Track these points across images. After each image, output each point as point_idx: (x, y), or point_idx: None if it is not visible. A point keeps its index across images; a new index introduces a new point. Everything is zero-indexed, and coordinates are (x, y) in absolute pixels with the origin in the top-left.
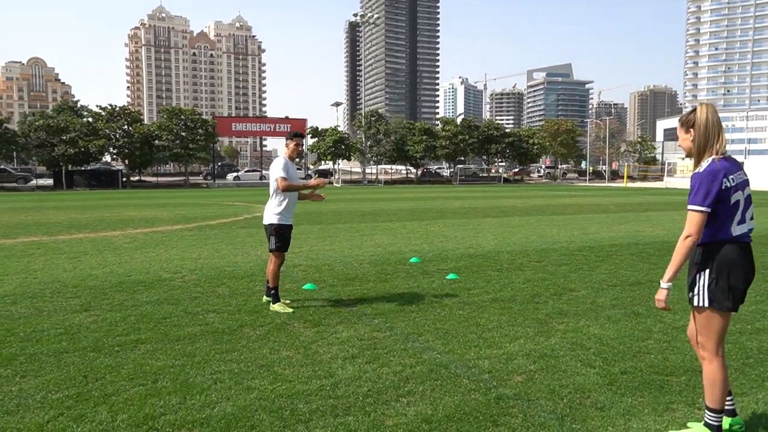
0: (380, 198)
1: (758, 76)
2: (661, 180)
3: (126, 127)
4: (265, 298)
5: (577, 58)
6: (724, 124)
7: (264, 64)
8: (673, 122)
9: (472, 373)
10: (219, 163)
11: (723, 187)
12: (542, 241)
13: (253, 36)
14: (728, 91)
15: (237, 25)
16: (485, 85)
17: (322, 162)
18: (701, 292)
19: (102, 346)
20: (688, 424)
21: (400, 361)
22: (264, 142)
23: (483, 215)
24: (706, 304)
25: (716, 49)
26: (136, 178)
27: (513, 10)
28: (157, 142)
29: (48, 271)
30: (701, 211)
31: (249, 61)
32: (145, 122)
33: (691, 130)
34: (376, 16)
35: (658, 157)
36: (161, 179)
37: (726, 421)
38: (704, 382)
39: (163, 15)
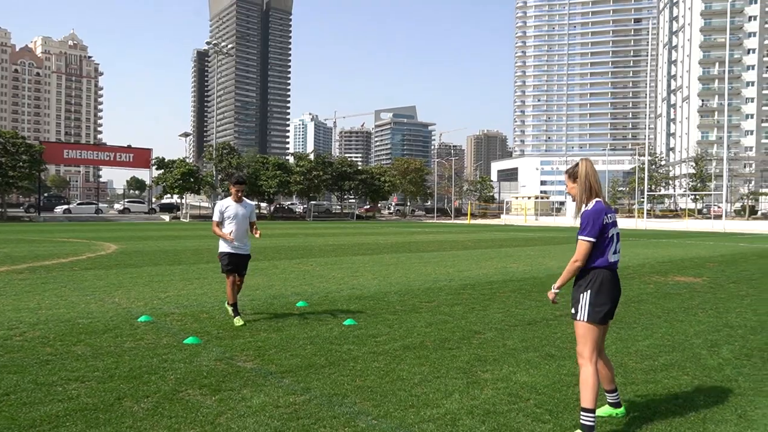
0: None
1: (571, 126)
2: (499, 217)
3: None
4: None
5: (421, 101)
6: (547, 167)
7: (101, 88)
8: (504, 164)
9: None
10: (45, 195)
11: (604, 223)
12: (423, 280)
13: (89, 57)
14: (549, 138)
15: (70, 42)
16: (335, 122)
17: (169, 195)
18: (583, 309)
19: None
20: None
21: None
22: (99, 172)
23: (352, 253)
24: (586, 319)
25: (539, 100)
26: None
27: (362, 51)
28: None
29: None
30: (589, 241)
31: (83, 84)
32: None
33: (576, 180)
34: (230, 45)
35: (496, 196)
36: None
37: (615, 411)
38: (580, 385)
39: None
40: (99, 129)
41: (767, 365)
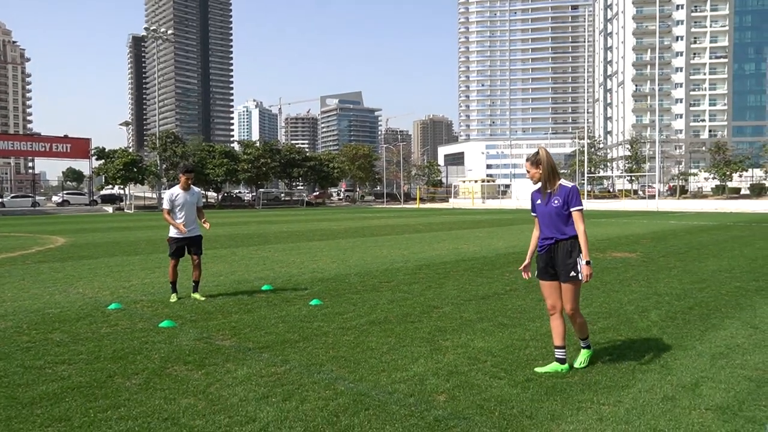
0: None
1: (515, 111)
2: (447, 201)
3: None
4: (194, 295)
5: (366, 87)
6: (492, 151)
7: (29, 75)
8: (451, 149)
9: (396, 398)
10: None
11: None
12: (381, 262)
13: (14, 42)
14: (493, 122)
15: None
16: (280, 108)
17: (110, 186)
18: (580, 271)
19: None
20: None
21: (319, 395)
22: (30, 164)
23: (308, 239)
24: (582, 279)
25: (483, 85)
26: None
27: (306, 36)
28: None
29: None
30: (583, 210)
31: (9, 71)
32: None
33: (540, 166)
34: (170, 32)
35: (443, 180)
36: None
37: (561, 367)
38: (578, 328)
39: None
40: (29, 118)
41: (687, 325)
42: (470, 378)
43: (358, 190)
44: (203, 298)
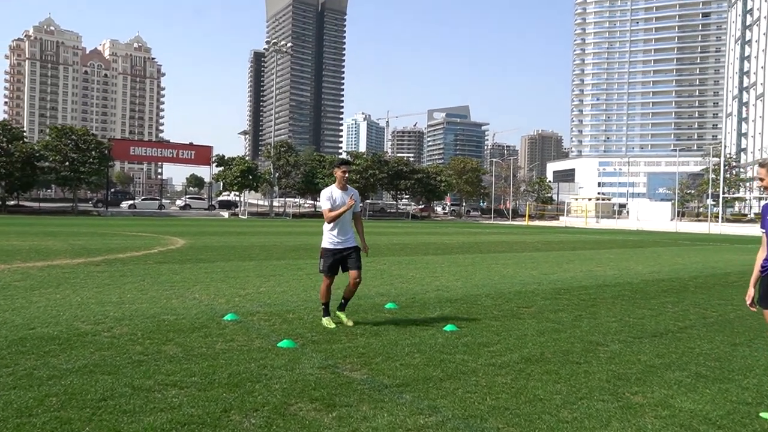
0: (300, 231)
1: (632, 126)
2: (558, 219)
3: (4, 144)
4: (339, 314)
5: (473, 101)
6: (607, 168)
7: (163, 88)
8: (560, 165)
9: None
10: (111, 190)
11: None
12: (510, 283)
13: (153, 58)
14: (608, 138)
15: (135, 45)
16: (387, 122)
17: (227, 192)
18: None
19: None
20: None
21: None
22: (159, 169)
23: (422, 253)
24: None
25: (597, 99)
26: (13, 202)
27: (415, 51)
28: (42, 162)
29: None
30: None
31: (147, 84)
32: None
33: None
34: (289, 44)
35: (554, 197)
36: (44, 205)
37: None
38: None
39: (52, 28)
40: (161, 128)
41: None
42: None
43: (464, 204)
44: (351, 324)
